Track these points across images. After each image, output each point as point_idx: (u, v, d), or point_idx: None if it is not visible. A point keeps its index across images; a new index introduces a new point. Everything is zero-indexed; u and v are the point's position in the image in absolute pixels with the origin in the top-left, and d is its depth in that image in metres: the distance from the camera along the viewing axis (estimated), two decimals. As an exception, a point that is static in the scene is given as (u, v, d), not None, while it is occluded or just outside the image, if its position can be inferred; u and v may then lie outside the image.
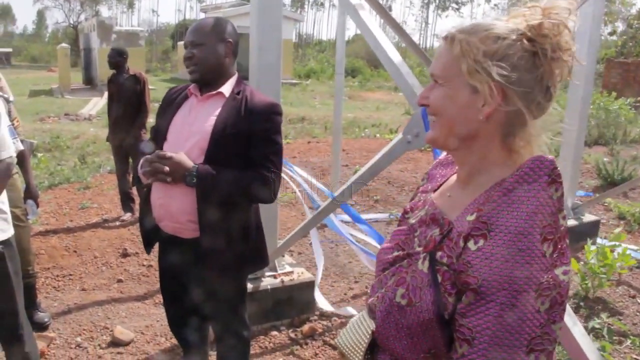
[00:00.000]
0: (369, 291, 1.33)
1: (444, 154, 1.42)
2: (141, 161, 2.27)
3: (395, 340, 1.17)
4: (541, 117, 1.11)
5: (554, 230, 1.00)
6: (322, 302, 3.79)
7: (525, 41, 1.05)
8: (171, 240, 2.39)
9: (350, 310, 3.88)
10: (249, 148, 2.30)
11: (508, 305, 0.98)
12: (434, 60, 1.16)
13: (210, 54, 2.32)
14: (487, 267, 0.99)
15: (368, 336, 1.25)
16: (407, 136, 2.82)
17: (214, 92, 2.35)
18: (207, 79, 2.35)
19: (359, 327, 1.30)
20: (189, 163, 2.20)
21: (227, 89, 2.36)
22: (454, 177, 1.27)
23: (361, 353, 1.27)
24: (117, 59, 5.97)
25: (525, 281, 0.97)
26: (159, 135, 2.40)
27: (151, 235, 2.49)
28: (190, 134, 2.30)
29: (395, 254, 1.24)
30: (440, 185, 1.32)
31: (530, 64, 1.06)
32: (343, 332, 1.35)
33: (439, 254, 1.10)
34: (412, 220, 1.27)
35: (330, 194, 4.19)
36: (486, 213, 1.03)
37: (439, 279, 1.08)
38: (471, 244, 1.03)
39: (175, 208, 2.30)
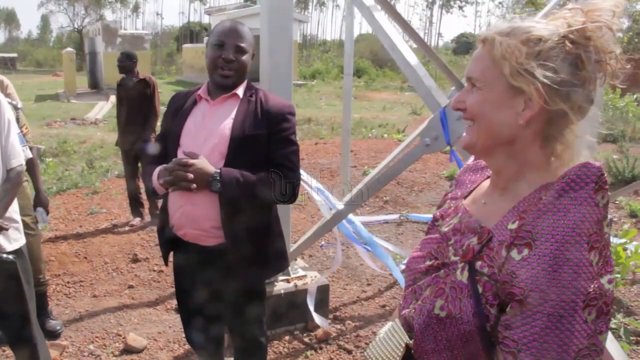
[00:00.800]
0: (400, 302, 1.28)
1: (472, 159, 1.38)
2: (158, 170, 2.23)
3: (434, 354, 1.13)
4: (580, 121, 1.08)
5: (600, 239, 0.97)
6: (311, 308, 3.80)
7: (568, 43, 1.02)
8: (190, 248, 2.35)
9: (320, 321, 3.86)
10: (268, 149, 2.28)
11: (556, 316, 0.95)
12: (471, 63, 1.13)
13: (248, 62, 2.32)
14: (534, 277, 0.96)
15: (402, 349, 1.21)
16: (426, 139, 2.78)
17: (229, 95, 2.32)
18: (235, 86, 2.33)
19: (390, 339, 1.25)
20: (211, 168, 2.17)
21: (240, 91, 2.34)
22: (486, 183, 1.24)
23: None
24: (127, 62, 5.95)
25: (573, 291, 0.94)
26: (171, 142, 2.35)
27: (169, 244, 2.45)
28: (207, 138, 2.27)
29: (429, 263, 1.21)
30: (471, 191, 1.28)
31: (574, 66, 1.03)
32: (372, 344, 1.31)
33: (478, 263, 1.07)
34: (445, 229, 1.23)
35: (332, 205, 4.19)
36: (530, 222, 1.00)
37: (480, 289, 1.05)
38: (514, 254, 1.00)
39: (198, 215, 2.26)
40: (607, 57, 1.03)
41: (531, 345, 0.97)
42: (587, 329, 0.96)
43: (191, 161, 2.13)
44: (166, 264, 2.55)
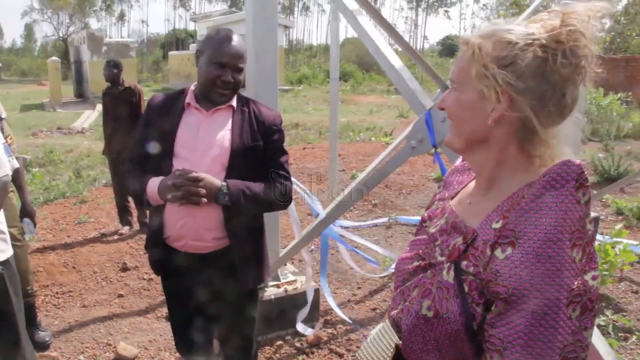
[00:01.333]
0: (390, 303, 1.30)
1: (459, 160, 1.40)
2: (158, 183, 2.18)
3: (422, 354, 1.14)
4: (562, 124, 1.09)
5: (582, 235, 0.98)
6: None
7: (537, 48, 1.03)
8: (185, 255, 2.33)
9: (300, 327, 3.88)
10: (264, 159, 2.32)
11: (539, 313, 0.96)
12: (454, 64, 1.16)
13: (243, 78, 2.33)
14: (517, 275, 0.97)
15: (391, 350, 1.22)
16: (411, 141, 2.79)
17: (224, 106, 2.30)
18: (229, 100, 2.32)
19: (380, 340, 1.26)
20: (218, 181, 2.17)
21: (234, 101, 2.34)
22: (472, 184, 1.25)
23: None
24: (113, 71, 5.93)
25: (556, 288, 0.95)
26: (163, 150, 2.28)
27: (162, 255, 2.40)
28: (207, 149, 2.25)
29: (416, 264, 1.22)
30: (458, 192, 1.30)
31: (540, 71, 1.03)
32: (364, 345, 1.33)
33: (464, 263, 1.08)
34: (432, 230, 1.25)
35: (315, 213, 4.23)
36: (513, 220, 1.01)
37: (466, 288, 1.06)
38: (499, 253, 1.01)
39: (201, 226, 2.26)
40: (578, 61, 1.03)
41: (516, 343, 0.98)
42: (571, 326, 0.96)
43: (201, 175, 2.12)
44: (157, 273, 2.53)
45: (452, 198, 1.29)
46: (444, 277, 1.10)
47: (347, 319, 3.77)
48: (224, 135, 2.26)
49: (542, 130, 1.06)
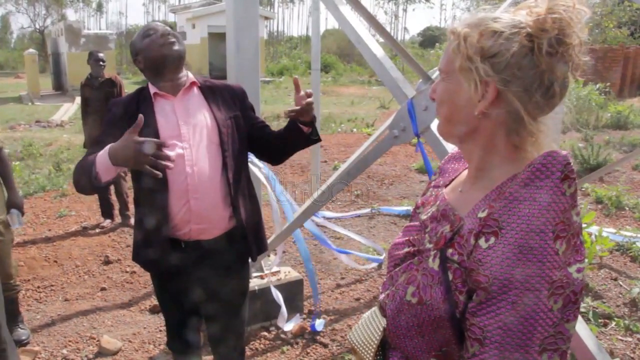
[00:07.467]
0: (380, 288, 1.31)
1: (456, 147, 1.39)
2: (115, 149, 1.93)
3: (406, 339, 1.15)
4: (549, 114, 1.08)
5: (567, 227, 0.97)
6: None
7: (523, 37, 1.01)
8: (192, 247, 2.27)
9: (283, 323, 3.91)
10: (250, 126, 2.38)
11: (519, 304, 0.95)
12: (443, 54, 1.15)
13: (184, 48, 2.34)
14: (498, 265, 0.97)
15: (379, 333, 1.24)
16: (394, 130, 2.80)
17: (189, 84, 2.30)
18: (181, 63, 2.32)
19: (370, 323, 1.28)
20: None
21: (192, 77, 2.35)
22: (466, 172, 1.24)
23: (372, 350, 1.26)
24: (100, 65, 5.86)
25: (537, 280, 0.94)
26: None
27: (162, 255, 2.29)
28: (194, 130, 2.22)
29: (406, 249, 1.22)
30: (452, 180, 1.29)
31: (527, 60, 1.02)
32: (355, 328, 1.34)
33: (449, 251, 1.08)
34: (423, 216, 1.25)
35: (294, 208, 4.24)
36: (497, 210, 1.00)
37: (450, 276, 1.06)
38: (482, 242, 1.00)
39: (207, 206, 2.21)
40: (565, 49, 1.01)
41: (495, 333, 0.97)
42: (552, 317, 0.96)
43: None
44: (155, 273, 2.47)
45: (447, 186, 1.29)
46: (430, 264, 1.11)
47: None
48: (205, 113, 2.27)
49: (530, 121, 1.05)
